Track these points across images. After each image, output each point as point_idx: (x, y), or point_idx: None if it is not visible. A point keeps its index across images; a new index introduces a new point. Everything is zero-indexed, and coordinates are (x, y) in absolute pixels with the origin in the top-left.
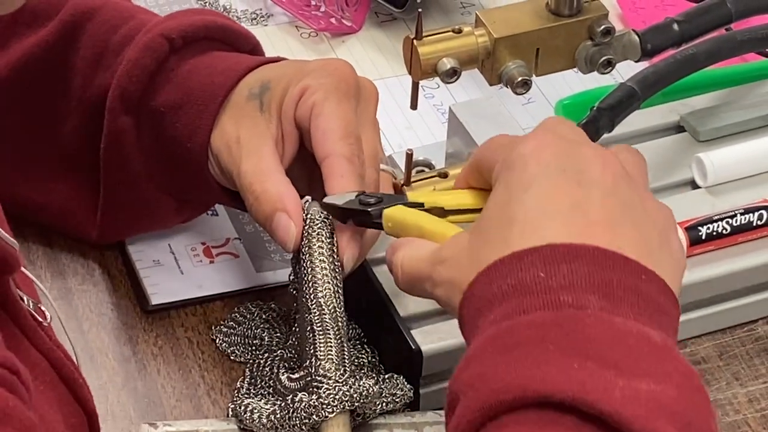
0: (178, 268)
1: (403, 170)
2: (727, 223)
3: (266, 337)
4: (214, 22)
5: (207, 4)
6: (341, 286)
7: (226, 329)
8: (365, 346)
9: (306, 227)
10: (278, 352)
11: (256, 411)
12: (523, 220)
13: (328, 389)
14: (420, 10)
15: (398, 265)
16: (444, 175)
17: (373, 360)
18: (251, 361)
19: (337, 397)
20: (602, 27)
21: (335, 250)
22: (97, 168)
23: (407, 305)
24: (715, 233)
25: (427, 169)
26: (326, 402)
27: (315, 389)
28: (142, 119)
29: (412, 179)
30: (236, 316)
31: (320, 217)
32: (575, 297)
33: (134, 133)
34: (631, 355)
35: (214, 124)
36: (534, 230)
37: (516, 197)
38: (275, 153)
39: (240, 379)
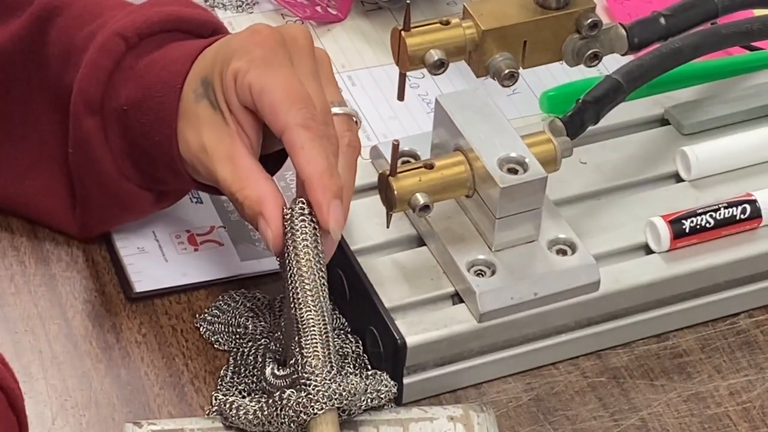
0: (163, 256)
1: (389, 161)
2: (711, 216)
3: (250, 326)
4: (169, 15)
5: None
6: (326, 279)
7: (210, 317)
8: (349, 335)
9: (288, 223)
10: (262, 340)
11: (241, 408)
12: None
13: (316, 386)
14: (409, 1)
15: None
16: (430, 166)
17: (357, 350)
18: (235, 349)
19: (326, 393)
20: (589, 20)
21: (319, 245)
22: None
23: (392, 295)
24: (698, 227)
25: (412, 160)
26: (315, 398)
27: (303, 386)
28: (106, 120)
29: (398, 170)
30: (220, 304)
31: (303, 212)
32: None
33: (101, 134)
34: None
35: (177, 136)
36: None
37: None
38: (246, 152)
39: (224, 368)
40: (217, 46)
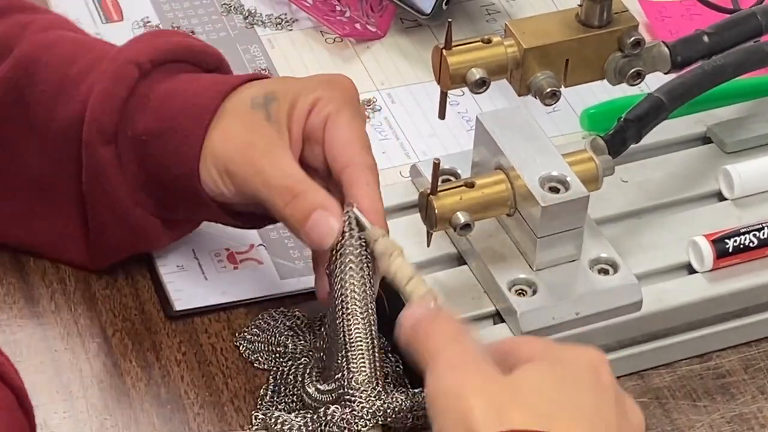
0: (202, 274)
1: (429, 179)
2: (755, 236)
3: (290, 345)
4: (179, 44)
5: (231, 8)
6: (373, 296)
7: (249, 336)
8: (389, 354)
9: (339, 235)
10: (302, 359)
11: (286, 423)
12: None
13: (361, 402)
14: (450, 20)
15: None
16: (471, 185)
17: (398, 369)
18: (275, 368)
19: (371, 410)
20: (632, 38)
21: (366, 261)
22: (76, 197)
23: None
24: (742, 246)
25: (453, 178)
26: (360, 415)
27: (348, 402)
28: (121, 149)
29: (439, 188)
30: (260, 323)
31: (353, 225)
32: None
33: (116, 163)
34: None
35: (211, 127)
36: None
37: None
38: (297, 162)
39: (263, 387)
40: (299, 79)
